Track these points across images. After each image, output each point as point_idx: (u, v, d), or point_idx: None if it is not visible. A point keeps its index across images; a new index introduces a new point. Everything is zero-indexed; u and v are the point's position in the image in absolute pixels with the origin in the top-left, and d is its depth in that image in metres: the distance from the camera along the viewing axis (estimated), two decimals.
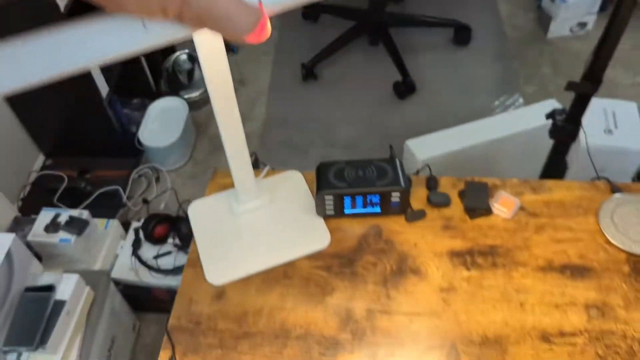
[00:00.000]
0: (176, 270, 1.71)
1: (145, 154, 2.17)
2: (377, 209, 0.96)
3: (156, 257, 1.73)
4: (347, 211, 0.96)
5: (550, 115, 1.11)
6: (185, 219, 1.73)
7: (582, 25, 2.48)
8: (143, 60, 2.24)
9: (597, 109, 1.83)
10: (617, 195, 0.97)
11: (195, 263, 0.94)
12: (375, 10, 2.39)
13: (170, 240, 1.77)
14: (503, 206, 0.96)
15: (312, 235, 0.95)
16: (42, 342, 1.31)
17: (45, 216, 1.61)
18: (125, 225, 1.85)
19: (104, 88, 1.93)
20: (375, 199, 0.94)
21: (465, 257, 0.92)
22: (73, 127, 2.03)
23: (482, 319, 0.85)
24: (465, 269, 0.91)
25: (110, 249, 1.74)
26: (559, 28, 2.49)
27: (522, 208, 0.97)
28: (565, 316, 0.85)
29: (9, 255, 1.35)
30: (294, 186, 1.02)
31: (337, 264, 0.93)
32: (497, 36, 2.53)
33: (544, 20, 2.54)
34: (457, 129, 1.75)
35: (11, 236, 1.37)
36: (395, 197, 0.93)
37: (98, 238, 1.70)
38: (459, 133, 1.74)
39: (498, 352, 0.82)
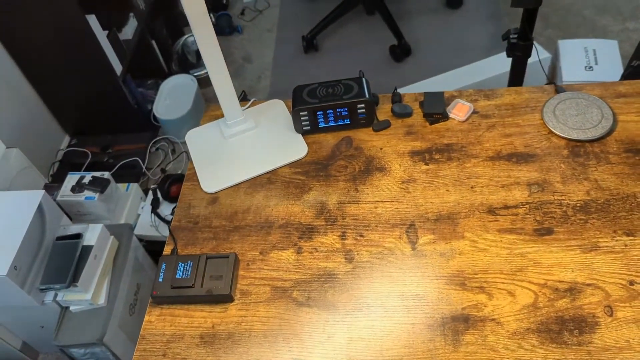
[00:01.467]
0: None
1: (160, 129, 2.34)
2: (347, 121, 1.09)
3: (173, 212, 1.90)
4: (321, 125, 1.10)
5: (505, 35, 1.22)
6: None
7: None
8: (154, 43, 2.41)
9: (579, 48, 1.93)
10: (560, 93, 1.08)
11: (193, 178, 1.09)
12: None
13: None
14: (458, 111, 1.09)
15: (291, 148, 1.09)
16: (74, 280, 1.49)
17: (71, 179, 1.79)
18: (146, 192, 2.02)
19: (118, 68, 2.10)
20: (344, 111, 1.07)
21: (424, 155, 1.05)
22: (93, 108, 2.21)
23: (437, 201, 0.98)
24: (424, 164, 1.04)
25: (132, 209, 1.92)
26: None
27: (475, 112, 1.10)
28: (510, 193, 0.97)
29: (40, 209, 1.53)
30: (276, 112, 1.17)
31: (314, 169, 1.07)
32: None
33: None
34: (442, 76, 1.87)
35: (41, 192, 1.55)
36: (361, 108, 1.07)
37: (120, 198, 1.87)
38: (444, 79, 1.85)
39: (450, 225, 0.95)
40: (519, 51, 1.20)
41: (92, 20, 1.93)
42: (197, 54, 2.54)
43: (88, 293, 1.52)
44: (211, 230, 1.01)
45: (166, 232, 1.87)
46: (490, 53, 2.38)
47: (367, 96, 1.06)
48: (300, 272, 0.93)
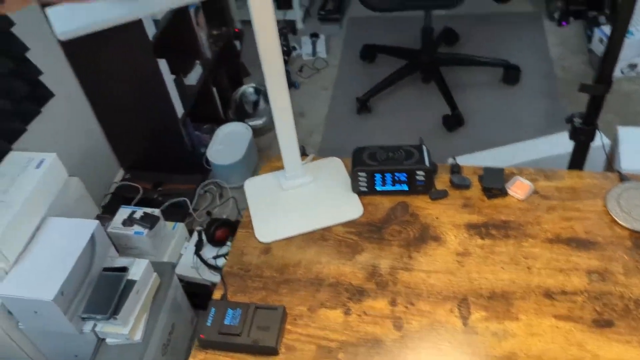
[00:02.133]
0: None
1: (211, 172, 2.40)
2: (405, 187, 1.10)
3: (215, 257, 1.92)
4: (378, 188, 1.11)
5: (569, 119, 1.23)
6: None
7: (633, 66, 2.56)
8: (215, 90, 2.51)
9: (636, 137, 1.91)
10: (625, 182, 1.07)
11: (248, 225, 1.11)
12: (428, 51, 2.58)
13: (229, 243, 1.96)
14: (518, 189, 1.08)
15: (347, 207, 1.11)
16: (115, 313, 1.51)
17: (123, 213, 1.84)
18: (190, 233, 2.06)
19: (180, 111, 2.19)
20: (403, 177, 1.09)
21: (481, 229, 1.05)
22: (150, 145, 2.30)
23: (491, 277, 0.97)
24: (479, 238, 1.03)
25: (175, 248, 1.95)
26: None
27: (535, 192, 1.09)
28: (568, 279, 0.95)
29: (92, 239, 1.57)
30: (334, 169, 1.19)
31: (367, 231, 1.07)
32: (546, 76, 2.65)
33: (594, 61, 2.64)
34: (497, 150, 1.87)
35: (95, 222, 1.60)
36: (420, 175, 1.08)
37: (166, 236, 1.91)
38: (499, 153, 1.85)
39: (504, 304, 0.93)
40: (583, 135, 1.20)
41: (163, 64, 2.03)
42: (254, 104, 2.62)
43: (126, 327, 1.54)
44: (261, 280, 1.01)
45: (205, 275, 1.88)
46: (544, 132, 2.37)
47: (427, 164, 1.07)
48: (347, 334, 0.92)
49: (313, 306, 0.96)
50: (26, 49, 1.70)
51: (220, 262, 1.91)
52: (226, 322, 0.92)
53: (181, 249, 1.97)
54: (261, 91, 2.65)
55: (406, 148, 1.11)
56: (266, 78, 0.98)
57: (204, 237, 1.96)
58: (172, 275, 1.75)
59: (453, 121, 2.44)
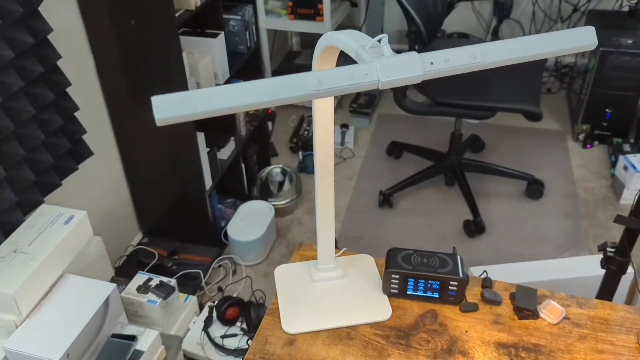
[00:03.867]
0: (238, 352, 1.84)
1: (228, 248, 2.40)
2: (436, 295, 1.10)
3: (223, 336, 1.88)
4: (409, 292, 1.11)
5: (602, 247, 1.23)
6: (256, 305, 1.90)
7: None
8: (243, 167, 2.56)
9: None
10: None
11: (274, 313, 1.10)
12: (454, 155, 2.64)
13: (238, 323, 1.93)
14: (550, 312, 1.07)
15: (376, 307, 1.10)
16: None
17: (139, 278, 1.83)
18: (200, 307, 2.03)
19: (208, 182, 2.23)
20: (436, 284, 1.08)
21: (510, 350, 1.03)
22: (173, 212, 2.32)
23: None
24: (508, 359, 1.01)
25: (184, 321, 1.92)
26: (631, 196, 2.61)
27: (566, 317, 1.08)
28: None
29: (107, 302, 1.56)
30: (365, 267, 1.19)
31: (395, 335, 1.06)
32: (569, 195, 2.68)
33: (617, 187, 2.68)
34: (523, 264, 1.86)
35: (112, 286, 1.59)
36: (453, 285, 1.08)
37: (177, 308, 1.89)
38: (524, 268, 1.85)
39: None
40: (615, 266, 1.20)
41: (200, 137, 2.09)
42: (280, 184, 2.66)
43: None
44: None
45: (210, 354, 1.84)
46: (564, 251, 2.38)
47: (461, 275, 1.07)
48: None
49: None
50: (76, 108, 1.77)
51: (228, 342, 1.87)
52: None
53: (190, 323, 1.94)
54: (287, 172, 2.70)
55: (441, 256, 1.11)
56: (316, 166, 1.01)
57: (214, 314, 1.93)
58: (178, 350, 1.71)
59: (474, 228, 2.45)
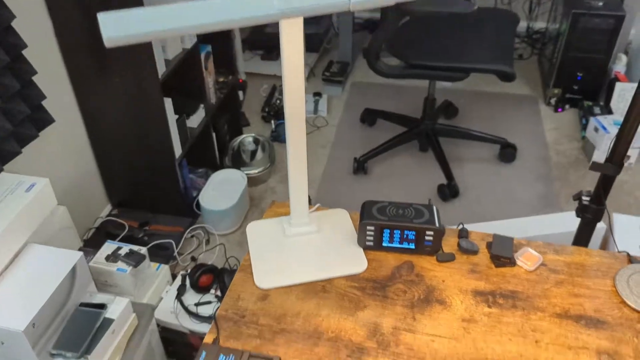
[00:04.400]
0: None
1: (200, 217, 2.35)
2: (412, 246, 1.08)
3: (197, 304, 1.84)
4: (384, 244, 1.08)
5: (577, 196, 1.22)
6: (230, 272, 1.86)
7: (626, 157, 2.61)
8: (213, 135, 2.50)
9: (634, 226, 1.92)
10: (634, 264, 1.05)
11: (246, 269, 1.07)
12: (428, 120, 2.62)
13: (212, 290, 1.89)
14: (527, 260, 1.06)
15: (351, 260, 1.07)
16: (87, 352, 1.42)
17: (108, 247, 1.78)
18: (173, 277, 1.99)
19: (178, 151, 2.17)
20: (412, 235, 1.06)
21: (488, 297, 1.01)
22: (142, 183, 2.25)
23: (498, 348, 0.93)
24: (486, 306, 1.00)
25: (156, 291, 1.87)
26: (602, 158, 2.62)
27: (543, 264, 1.07)
28: (578, 357, 0.91)
29: (73, 270, 1.50)
30: (340, 221, 1.16)
31: (371, 287, 1.03)
32: (541, 158, 2.69)
33: (588, 149, 2.70)
34: (499, 223, 1.86)
35: (79, 254, 1.53)
36: (429, 235, 1.06)
37: (148, 277, 1.84)
38: (500, 226, 1.84)
39: None
40: (590, 214, 1.19)
41: (168, 103, 2.02)
42: (252, 153, 2.61)
43: None
44: (257, 328, 0.96)
45: (185, 322, 1.80)
46: (537, 212, 2.39)
47: (437, 225, 1.05)
48: None
49: None
50: (34, 72, 1.68)
51: (202, 310, 1.83)
52: None
53: (162, 293, 1.89)
54: (260, 141, 2.65)
55: (417, 207, 1.08)
56: (287, 119, 0.97)
57: (187, 282, 1.89)
58: (150, 318, 1.67)
59: (448, 191, 2.44)
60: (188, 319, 1.81)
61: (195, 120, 2.32)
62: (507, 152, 2.65)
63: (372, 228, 1.06)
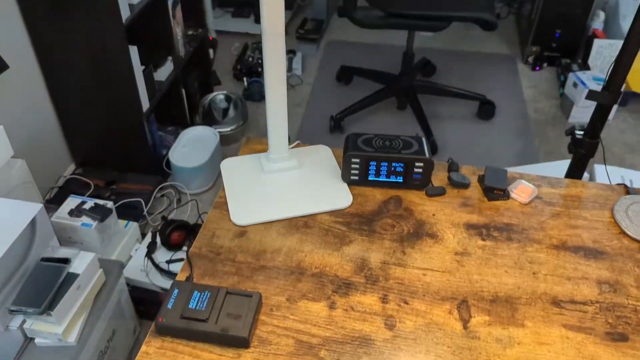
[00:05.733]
0: None
1: (171, 176, 2.24)
2: (400, 179, 1.00)
3: (169, 261, 1.75)
4: (370, 178, 1.01)
5: (570, 131, 1.17)
6: None
7: None
8: (184, 92, 2.38)
9: (615, 175, 1.89)
10: (633, 195, 1.00)
11: (222, 206, 0.98)
12: (407, 76, 2.54)
13: (184, 248, 1.80)
14: (521, 192, 1.00)
15: (335, 195, 0.99)
16: (49, 308, 1.32)
17: (71, 202, 1.66)
18: (143, 237, 1.89)
19: (145, 105, 2.05)
20: (400, 167, 0.99)
21: (481, 230, 0.95)
22: (108, 139, 2.13)
23: (493, 280, 0.86)
24: (480, 239, 0.93)
25: (125, 248, 1.77)
26: (580, 114, 2.60)
27: (538, 197, 1.01)
28: (577, 288, 0.86)
29: (33, 223, 1.39)
30: (322, 157, 1.08)
31: (357, 222, 0.96)
32: (519, 115, 2.65)
33: (565, 106, 2.67)
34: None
35: (39, 206, 1.42)
36: (419, 167, 0.98)
37: (116, 234, 1.73)
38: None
39: (508, 309, 0.82)
40: (584, 148, 1.14)
41: (133, 51, 1.90)
42: (224, 111, 2.50)
43: (60, 326, 1.34)
44: (234, 265, 0.88)
45: (156, 281, 1.71)
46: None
47: (427, 155, 0.98)
48: (331, 329, 0.79)
49: (293, 297, 0.83)
50: None
51: (174, 267, 1.74)
52: (191, 305, 0.78)
53: (132, 251, 1.79)
54: (232, 99, 2.53)
55: (404, 138, 1.01)
56: (264, 48, 0.87)
57: (158, 240, 1.79)
58: (119, 276, 1.57)
59: None
60: (159, 277, 1.72)
61: (164, 73, 2.19)
62: (486, 109, 2.60)
63: (358, 160, 0.99)
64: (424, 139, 1.01)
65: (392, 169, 0.99)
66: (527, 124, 2.60)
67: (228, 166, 1.05)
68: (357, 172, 1.00)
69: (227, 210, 0.97)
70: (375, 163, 0.99)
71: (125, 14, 1.81)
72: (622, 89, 1.07)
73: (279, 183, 1.01)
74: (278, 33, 0.87)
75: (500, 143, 2.48)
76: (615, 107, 2.59)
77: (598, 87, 2.48)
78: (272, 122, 0.97)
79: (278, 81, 0.92)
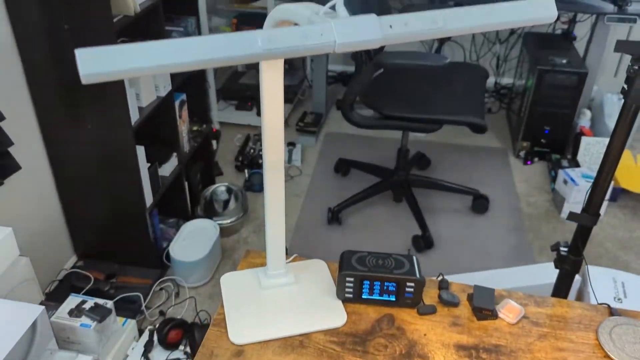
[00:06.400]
0: None
1: (170, 269, 2.28)
2: (392, 298, 1.04)
3: None
4: (364, 296, 1.05)
5: (555, 247, 1.22)
6: (200, 327, 1.79)
7: None
8: (186, 185, 2.46)
9: (607, 278, 1.93)
10: (615, 316, 1.04)
11: (220, 324, 1.02)
12: (402, 170, 2.64)
13: (181, 347, 1.81)
14: (509, 312, 1.04)
15: (330, 314, 1.03)
16: None
17: (71, 301, 1.69)
18: (140, 333, 1.90)
19: (149, 200, 2.12)
20: (392, 286, 1.03)
21: (471, 351, 0.98)
22: (110, 233, 2.18)
23: None
24: None
25: (122, 347, 1.78)
26: (572, 208, 2.67)
27: (525, 316, 1.05)
28: None
29: (34, 326, 1.42)
30: (317, 272, 1.12)
31: (351, 342, 0.99)
32: (513, 210, 2.72)
33: (557, 201, 2.74)
34: (471, 275, 1.84)
35: (40, 308, 1.45)
36: (410, 287, 1.03)
37: (114, 333, 1.75)
38: (472, 279, 1.83)
39: None
40: (569, 265, 1.19)
41: (140, 151, 1.99)
42: (225, 203, 2.57)
43: None
44: None
45: None
46: (511, 264, 2.39)
47: (418, 275, 1.03)
48: None
49: None
50: (1, 117, 1.64)
51: None
52: None
53: (128, 349, 1.80)
54: (233, 190, 2.61)
55: (397, 257, 1.06)
56: (265, 168, 0.94)
57: (155, 338, 1.80)
58: None
59: (423, 242, 2.43)
60: None
61: (168, 168, 2.28)
62: (480, 203, 2.67)
63: (352, 279, 1.03)
64: (415, 258, 1.07)
65: (385, 287, 1.04)
66: (521, 218, 2.67)
67: (227, 281, 1.10)
68: (351, 290, 1.04)
69: (226, 328, 1.00)
70: (368, 282, 1.03)
71: (134, 117, 1.92)
72: (612, 185, 1.13)
73: (276, 299, 1.06)
74: (278, 169, 0.94)
75: (494, 237, 2.53)
76: (605, 202, 2.67)
77: (587, 184, 2.57)
78: (271, 241, 1.03)
79: (277, 207, 0.99)
